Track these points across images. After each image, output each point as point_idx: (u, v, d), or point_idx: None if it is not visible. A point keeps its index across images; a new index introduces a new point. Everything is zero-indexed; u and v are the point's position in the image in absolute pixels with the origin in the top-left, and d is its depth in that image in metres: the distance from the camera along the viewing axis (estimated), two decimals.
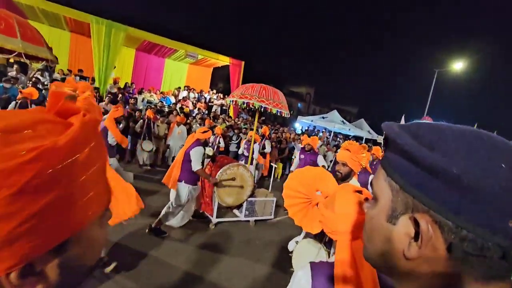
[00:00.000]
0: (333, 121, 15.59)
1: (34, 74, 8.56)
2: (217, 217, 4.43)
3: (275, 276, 3.31)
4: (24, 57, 2.88)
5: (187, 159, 3.72)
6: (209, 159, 4.14)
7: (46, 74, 9.12)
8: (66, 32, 11.12)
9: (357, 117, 27.12)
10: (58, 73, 9.32)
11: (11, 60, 8.71)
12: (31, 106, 5.96)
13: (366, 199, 1.11)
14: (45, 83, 8.28)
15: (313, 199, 1.33)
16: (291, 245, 2.68)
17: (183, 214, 3.90)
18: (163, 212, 3.76)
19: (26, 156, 0.29)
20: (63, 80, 8.83)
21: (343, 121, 16.10)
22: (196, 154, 3.68)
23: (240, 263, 3.48)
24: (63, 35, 11.11)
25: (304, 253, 2.14)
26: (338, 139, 16.17)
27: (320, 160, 5.19)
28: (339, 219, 1.03)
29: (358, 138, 18.14)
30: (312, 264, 0.91)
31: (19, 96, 5.96)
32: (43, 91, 7.44)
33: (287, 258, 3.48)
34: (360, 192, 1.13)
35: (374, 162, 5.91)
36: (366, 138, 16.49)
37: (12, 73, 8.08)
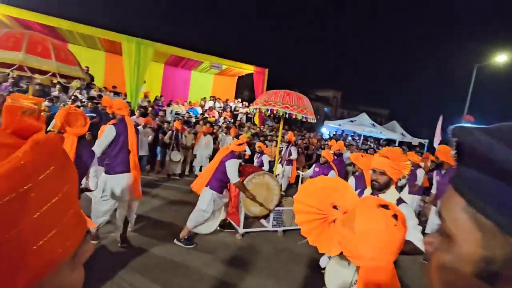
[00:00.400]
0: (362, 125, 14.95)
1: (74, 92, 9.25)
2: (244, 227, 4.34)
3: None
4: (58, 76, 3.05)
5: (221, 169, 3.72)
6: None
7: (84, 91, 9.82)
8: (101, 52, 11.94)
9: (388, 120, 25.84)
10: (95, 90, 9.97)
11: (55, 81, 9.53)
12: None
13: (395, 216, 0.90)
14: (83, 100, 8.87)
15: (329, 215, 1.11)
16: (323, 261, 2.50)
17: (210, 221, 3.90)
18: (189, 221, 3.77)
19: None
20: (99, 96, 9.43)
21: (373, 124, 15.38)
22: (233, 166, 3.68)
23: (268, 277, 3.34)
24: (99, 55, 11.95)
25: (335, 274, 1.97)
26: (368, 143, 15.45)
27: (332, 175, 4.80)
28: (360, 240, 0.85)
29: (390, 141, 17.21)
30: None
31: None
32: (81, 108, 7.97)
33: (317, 272, 3.28)
34: (386, 206, 0.93)
35: (412, 168, 5.53)
36: (399, 141, 15.57)
37: (55, 92, 8.79)
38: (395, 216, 0.90)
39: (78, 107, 7.91)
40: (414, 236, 1.77)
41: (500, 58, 16.52)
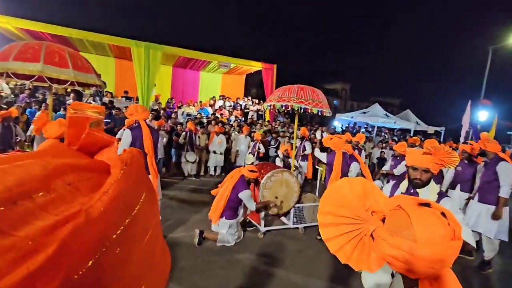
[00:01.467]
0: (375, 115, 14.63)
1: (87, 100, 9.42)
2: (265, 226, 4.31)
3: None
4: (76, 85, 3.08)
5: (233, 198, 3.71)
6: (253, 182, 4.05)
7: (97, 98, 9.99)
8: (111, 58, 12.13)
9: (400, 109, 25.21)
10: (107, 96, 10.13)
11: (69, 90, 9.74)
12: None
13: (443, 214, 0.80)
14: None
15: (367, 223, 0.92)
16: None
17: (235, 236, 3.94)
18: (218, 239, 3.79)
19: (35, 259, 0.17)
20: (111, 102, 9.58)
21: (386, 114, 15.03)
22: (247, 198, 3.72)
23: (295, 275, 3.30)
24: (109, 61, 12.14)
25: (371, 275, 1.88)
26: (383, 134, 15.13)
27: (355, 167, 4.39)
28: (425, 248, 0.74)
29: (405, 131, 16.80)
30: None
31: None
32: None
33: (342, 269, 3.22)
34: (427, 205, 0.83)
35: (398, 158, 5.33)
36: (414, 130, 15.17)
37: (69, 101, 8.98)
38: (443, 214, 0.82)
39: None
40: (462, 231, 1.69)
41: None
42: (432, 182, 1.96)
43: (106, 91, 10.46)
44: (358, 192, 0.98)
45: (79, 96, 9.54)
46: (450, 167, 1.90)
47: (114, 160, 0.26)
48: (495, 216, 3.54)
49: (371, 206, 0.96)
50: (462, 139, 10.66)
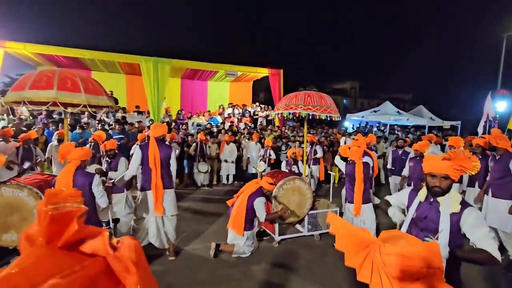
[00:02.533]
0: (387, 113, 14.36)
1: (101, 116, 9.72)
2: (279, 235, 4.29)
3: None
4: (88, 108, 3.20)
5: (250, 207, 3.76)
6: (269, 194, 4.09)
7: (111, 114, 10.30)
8: (122, 75, 12.52)
9: (412, 104, 24.62)
10: (120, 112, 10.43)
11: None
12: (100, 146, 6.72)
13: None
14: (110, 123, 9.30)
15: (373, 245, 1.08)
16: None
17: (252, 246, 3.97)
18: (234, 251, 3.82)
19: None
20: (123, 118, 9.84)
21: (398, 112, 14.72)
22: (260, 206, 3.75)
23: (312, 286, 3.25)
24: (120, 78, 12.54)
25: None
26: (395, 131, 14.80)
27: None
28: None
29: (419, 128, 16.37)
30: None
31: (90, 139, 6.78)
32: (110, 131, 8.36)
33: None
34: None
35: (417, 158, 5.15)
36: (429, 126, 14.77)
37: (84, 119, 9.31)
38: None
39: (107, 130, 8.31)
40: (488, 244, 1.60)
41: None
42: (454, 190, 1.83)
43: (118, 107, 10.78)
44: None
45: (93, 114, 9.87)
46: (471, 173, 1.77)
47: (121, 262, 0.27)
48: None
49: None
50: (480, 133, 10.29)
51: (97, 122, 8.97)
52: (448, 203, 1.78)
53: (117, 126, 8.13)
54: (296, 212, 4.26)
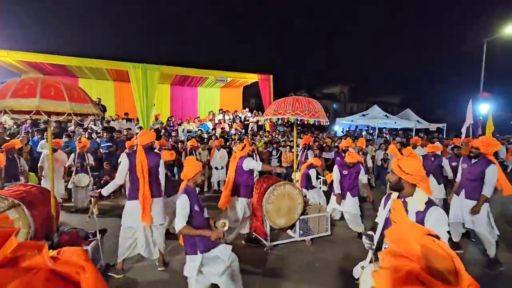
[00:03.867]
0: (375, 117, 14.60)
1: (88, 124, 9.54)
2: (271, 241, 4.26)
3: None
4: (73, 116, 3.13)
5: (239, 173, 3.92)
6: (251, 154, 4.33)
7: (98, 122, 10.13)
8: (110, 82, 12.36)
9: (400, 107, 25.16)
10: (108, 119, 10.26)
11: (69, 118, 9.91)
12: (87, 155, 6.58)
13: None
14: (98, 131, 9.13)
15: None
16: (356, 272, 2.39)
17: (239, 228, 4.07)
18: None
19: None
20: (111, 127, 9.68)
21: (386, 115, 15.00)
22: (249, 162, 3.92)
23: None
24: (108, 85, 12.37)
25: (370, 282, 1.90)
26: (384, 134, 15.05)
27: (362, 175, 4.79)
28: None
29: (406, 130, 16.71)
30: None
31: (77, 147, 6.63)
32: (97, 139, 8.20)
33: (352, 283, 3.14)
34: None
35: (433, 158, 5.28)
36: (416, 129, 15.08)
37: (71, 127, 9.12)
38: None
39: (94, 138, 8.15)
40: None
41: (509, 30, 15.86)
42: (420, 191, 1.96)
43: (104, 114, 10.62)
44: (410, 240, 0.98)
45: (80, 122, 9.67)
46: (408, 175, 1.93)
47: (70, 264, 0.26)
48: (474, 211, 3.73)
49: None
50: (463, 136, 10.60)
51: (82, 130, 8.80)
52: (415, 203, 1.93)
53: (105, 134, 7.99)
54: (287, 217, 4.25)
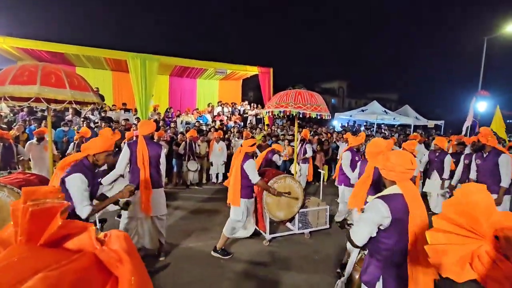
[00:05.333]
0: (374, 113, 14.63)
1: (85, 114, 9.44)
2: (270, 233, 4.28)
3: None
4: (74, 104, 3.09)
5: (243, 175, 3.73)
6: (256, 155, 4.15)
7: (96, 112, 10.02)
8: (108, 72, 12.19)
9: (398, 104, 25.19)
10: (106, 109, 10.16)
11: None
12: None
13: None
14: (96, 120, 9.04)
15: (483, 240, 0.88)
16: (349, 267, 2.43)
17: (248, 224, 3.98)
18: (226, 231, 3.79)
19: None
20: (109, 117, 9.60)
21: (385, 111, 15.03)
22: (250, 167, 3.69)
23: (303, 283, 3.27)
24: (106, 75, 12.20)
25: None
26: (382, 130, 15.10)
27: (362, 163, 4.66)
28: None
29: (405, 126, 16.77)
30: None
31: (76, 136, 6.57)
32: (95, 129, 8.12)
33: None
34: None
35: (437, 153, 5.33)
36: (414, 125, 15.15)
37: (69, 116, 9.01)
38: None
39: (92, 128, 8.07)
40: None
41: (510, 28, 15.82)
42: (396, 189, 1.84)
43: (104, 104, 10.51)
44: (487, 204, 0.93)
45: (77, 111, 9.57)
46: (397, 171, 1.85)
47: (112, 253, 0.25)
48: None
49: (494, 223, 0.89)
50: (463, 132, 10.69)
51: (81, 119, 8.71)
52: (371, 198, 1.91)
53: (103, 124, 7.91)
54: (287, 210, 4.27)
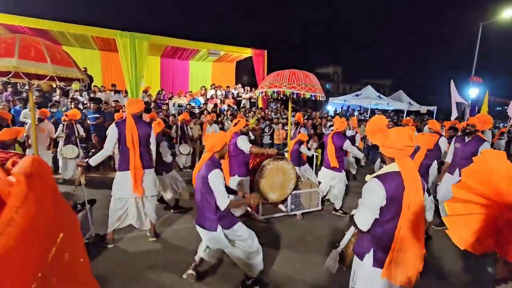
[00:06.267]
0: (368, 97, 14.57)
1: (73, 95, 9.14)
2: (262, 214, 4.29)
3: (338, 275, 3.06)
4: (57, 80, 2.92)
5: (234, 153, 3.74)
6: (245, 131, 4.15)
7: (85, 93, 9.70)
8: (96, 51, 11.70)
9: (392, 90, 25.22)
10: (95, 91, 9.84)
11: (54, 85, 9.41)
12: (76, 126, 6.34)
13: None
14: (84, 101, 8.76)
15: (505, 208, 0.83)
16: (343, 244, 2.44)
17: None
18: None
19: None
20: (98, 98, 9.30)
21: (379, 96, 14.98)
22: (242, 141, 3.74)
23: (295, 263, 3.30)
24: (94, 54, 11.72)
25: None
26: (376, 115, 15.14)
27: (348, 146, 4.57)
28: None
29: (398, 112, 16.84)
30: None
31: (64, 118, 6.36)
32: (84, 110, 7.88)
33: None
34: None
35: None
36: (407, 111, 15.21)
37: (56, 97, 8.70)
38: None
39: (81, 109, 7.82)
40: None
41: (506, 14, 15.69)
42: (394, 166, 1.82)
43: (94, 86, 10.17)
44: (508, 171, 0.88)
45: (65, 92, 9.24)
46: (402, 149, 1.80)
47: (3, 181, 0.19)
48: None
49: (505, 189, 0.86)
50: (453, 117, 10.79)
51: (69, 100, 8.42)
52: (368, 177, 1.88)
53: (92, 105, 7.67)
54: (280, 192, 4.26)
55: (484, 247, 0.84)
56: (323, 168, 4.87)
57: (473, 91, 17.02)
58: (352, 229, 2.09)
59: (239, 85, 14.05)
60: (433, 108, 16.56)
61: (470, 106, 14.12)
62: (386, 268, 1.70)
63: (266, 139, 9.11)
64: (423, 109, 16.48)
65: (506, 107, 13.12)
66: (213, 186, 2.46)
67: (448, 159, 4.24)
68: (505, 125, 13.33)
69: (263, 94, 4.51)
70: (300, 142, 5.60)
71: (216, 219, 2.54)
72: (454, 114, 11.07)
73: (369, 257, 1.78)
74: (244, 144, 3.74)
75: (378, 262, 1.75)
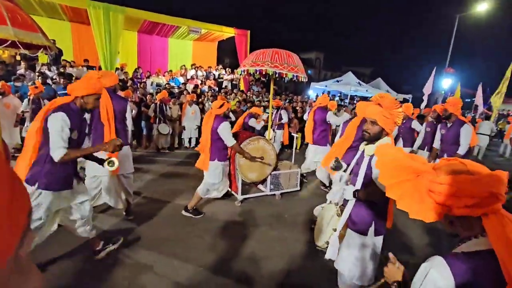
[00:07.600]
0: (349, 83, 14.80)
1: (40, 69, 8.49)
2: (242, 194, 4.32)
3: (311, 251, 3.18)
4: (21, 47, 2.67)
5: (215, 138, 3.59)
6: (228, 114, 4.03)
7: (53, 68, 9.03)
8: (66, 23, 10.83)
9: (371, 78, 25.73)
10: (65, 65, 9.19)
11: (18, 58, 8.65)
12: (43, 102, 5.93)
13: None
14: (53, 77, 8.19)
15: (425, 173, 0.99)
16: (316, 211, 2.57)
17: (221, 186, 3.90)
18: (200, 190, 3.73)
19: None
20: (69, 73, 8.71)
21: (359, 83, 15.27)
22: (225, 130, 3.56)
23: (272, 240, 3.38)
24: (64, 26, 10.84)
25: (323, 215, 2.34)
26: (355, 102, 15.47)
27: (330, 116, 4.85)
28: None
29: None
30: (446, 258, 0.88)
31: (30, 92, 5.92)
32: (53, 85, 7.37)
33: None
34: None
35: (404, 121, 5.53)
36: None
37: (21, 70, 8.04)
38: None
39: (49, 84, 7.31)
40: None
41: (481, 7, 16.28)
42: (386, 139, 1.96)
43: (64, 60, 9.47)
44: (404, 153, 1.08)
45: (31, 65, 8.56)
46: (398, 123, 1.94)
47: None
48: None
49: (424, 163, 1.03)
50: (423, 104, 11.30)
51: (37, 74, 7.83)
52: (372, 150, 1.94)
53: (62, 80, 7.19)
54: (259, 172, 4.29)
55: (428, 211, 0.94)
56: (309, 145, 5.12)
57: (446, 82, 17.79)
58: (348, 210, 2.01)
59: (220, 66, 13.72)
60: (409, 97, 17.17)
61: (443, 96, 14.78)
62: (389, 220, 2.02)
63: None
64: (400, 97, 17.01)
65: (474, 99, 13.88)
66: (49, 130, 2.15)
67: (436, 145, 4.44)
68: (469, 114, 14.14)
69: (245, 73, 4.41)
70: (251, 115, 5.61)
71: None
72: (424, 103, 11.61)
73: (371, 230, 1.96)
74: (227, 136, 3.56)
75: (378, 231, 1.96)
